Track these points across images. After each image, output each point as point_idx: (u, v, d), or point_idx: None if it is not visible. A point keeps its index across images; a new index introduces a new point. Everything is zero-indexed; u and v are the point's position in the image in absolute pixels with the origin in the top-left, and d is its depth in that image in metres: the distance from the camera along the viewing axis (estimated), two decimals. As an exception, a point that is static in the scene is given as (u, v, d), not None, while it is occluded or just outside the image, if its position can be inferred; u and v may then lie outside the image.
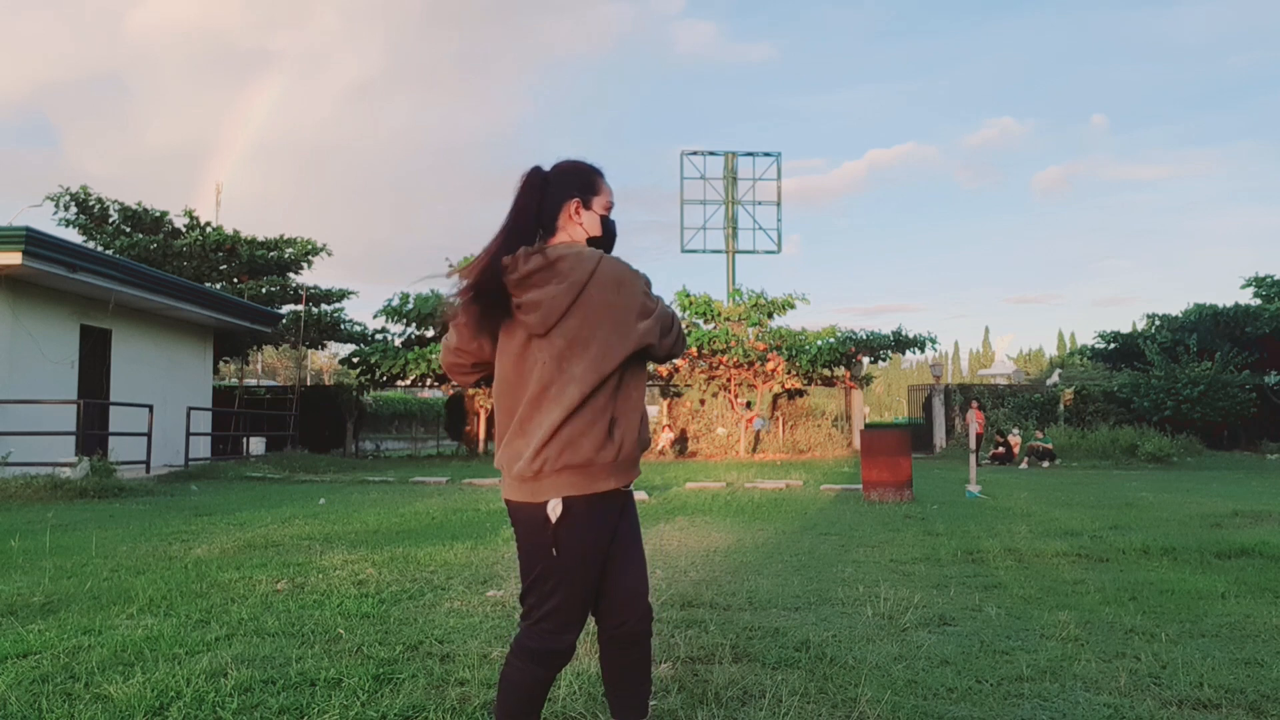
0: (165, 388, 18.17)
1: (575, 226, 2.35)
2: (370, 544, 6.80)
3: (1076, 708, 2.96)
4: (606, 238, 2.42)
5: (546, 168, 2.38)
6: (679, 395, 24.92)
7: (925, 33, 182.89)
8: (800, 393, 25.65)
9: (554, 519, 2.15)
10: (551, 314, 2.17)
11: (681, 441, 23.72)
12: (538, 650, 2.19)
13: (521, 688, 2.21)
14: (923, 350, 25.57)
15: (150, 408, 15.60)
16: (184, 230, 25.41)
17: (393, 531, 7.74)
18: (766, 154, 31.84)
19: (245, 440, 21.00)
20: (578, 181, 2.38)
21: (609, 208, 2.44)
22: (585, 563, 2.21)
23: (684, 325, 2.50)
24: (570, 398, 2.15)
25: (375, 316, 24.68)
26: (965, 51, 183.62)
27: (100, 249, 22.76)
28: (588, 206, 2.37)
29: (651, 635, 2.40)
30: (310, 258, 26.58)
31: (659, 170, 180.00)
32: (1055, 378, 35.15)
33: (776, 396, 25.20)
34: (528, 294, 2.19)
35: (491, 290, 2.21)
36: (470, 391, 24.68)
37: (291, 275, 26.73)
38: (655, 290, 2.35)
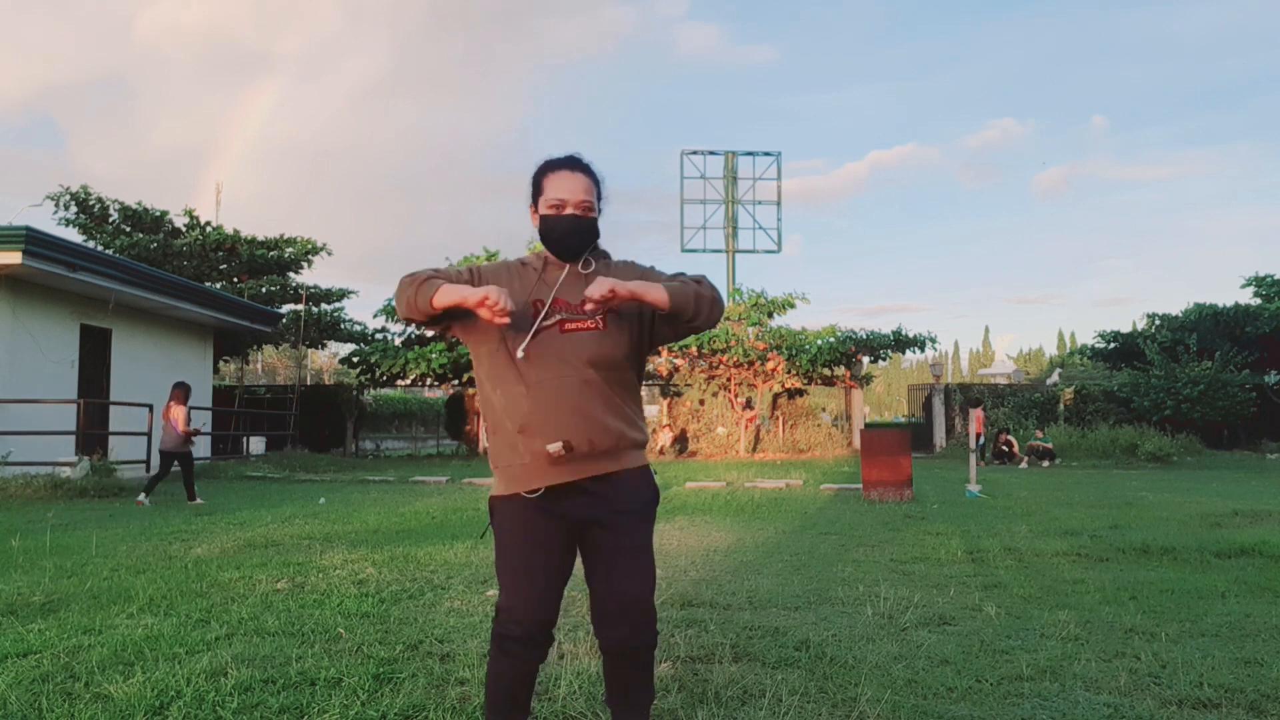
0: (165, 387, 18.05)
1: (538, 233, 2.33)
2: (370, 543, 6.80)
3: (1076, 707, 2.96)
4: (551, 238, 2.24)
5: None
6: (679, 395, 24.91)
7: (926, 34, 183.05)
8: (800, 392, 25.63)
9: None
10: None
11: (681, 441, 23.71)
12: (497, 634, 2.27)
13: (497, 676, 2.28)
14: (923, 350, 25.58)
15: (150, 407, 15.58)
16: (184, 230, 25.41)
17: (393, 531, 7.74)
18: (766, 154, 31.86)
19: (245, 440, 21.01)
20: (531, 187, 2.31)
21: (554, 205, 2.21)
22: (513, 560, 2.24)
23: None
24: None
25: (375, 316, 24.72)
26: (966, 52, 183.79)
27: (100, 248, 22.75)
28: (536, 209, 2.29)
29: (654, 648, 2.32)
30: (310, 257, 26.59)
31: (661, 171, 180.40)
32: (1055, 377, 35.16)
33: (776, 396, 25.19)
34: None
35: None
36: (470, 391, 24.68)
37: (291, 275, 26.73)
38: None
